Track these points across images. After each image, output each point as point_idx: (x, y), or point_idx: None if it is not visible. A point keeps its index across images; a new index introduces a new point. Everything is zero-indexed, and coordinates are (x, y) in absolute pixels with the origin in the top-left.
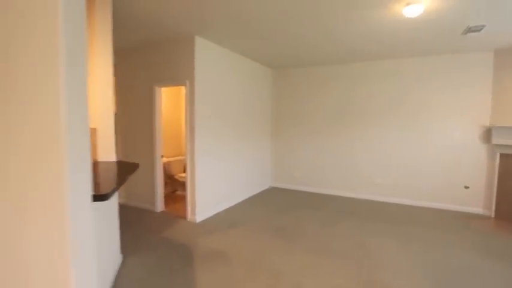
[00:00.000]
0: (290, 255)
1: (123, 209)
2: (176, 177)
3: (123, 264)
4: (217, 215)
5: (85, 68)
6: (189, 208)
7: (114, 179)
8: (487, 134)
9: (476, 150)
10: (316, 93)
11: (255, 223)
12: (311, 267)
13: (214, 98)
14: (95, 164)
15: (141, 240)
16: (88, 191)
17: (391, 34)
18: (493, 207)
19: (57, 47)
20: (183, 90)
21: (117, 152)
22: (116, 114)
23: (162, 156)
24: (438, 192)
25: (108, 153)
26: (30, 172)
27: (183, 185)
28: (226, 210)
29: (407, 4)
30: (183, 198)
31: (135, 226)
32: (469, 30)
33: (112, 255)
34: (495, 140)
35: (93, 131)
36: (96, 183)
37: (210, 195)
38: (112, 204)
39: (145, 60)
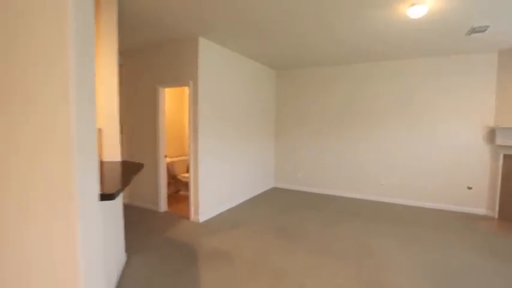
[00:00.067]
0: (293, 256)
1: (127, 209)
2: (179, 177)
3: (128, 263)
4: (220, 215)
5: (93, 67)
6: (192, 208)
7: (119, 179)
8: (491, 135)
9: (480, 151)
10: (319, 94)
11: (258, 223)
12: (314, 267)
13: (217, 98)
14: (101, 164)
15: (145, 240)
16: (96, 190)
17: (396, 34)
18: (497, 208)
19: (67, 47)
20: (186, 90)
21: (121, 152)
22: (120, 115)
23: (166, 157)
24: (442, 192)
25: (113, 154)
26: (38, 172)
27: (186, 185)
28: (229, 211)
29: (412, 5)
30: (186, 198)
31: (138, 226)
32: (473, 30)
33: (117, 255)
34: (499, 141)
35: (99, 131)
36: (102, 183)
37: (213, 195)
38: (117, 204)
39: (149, 61)
